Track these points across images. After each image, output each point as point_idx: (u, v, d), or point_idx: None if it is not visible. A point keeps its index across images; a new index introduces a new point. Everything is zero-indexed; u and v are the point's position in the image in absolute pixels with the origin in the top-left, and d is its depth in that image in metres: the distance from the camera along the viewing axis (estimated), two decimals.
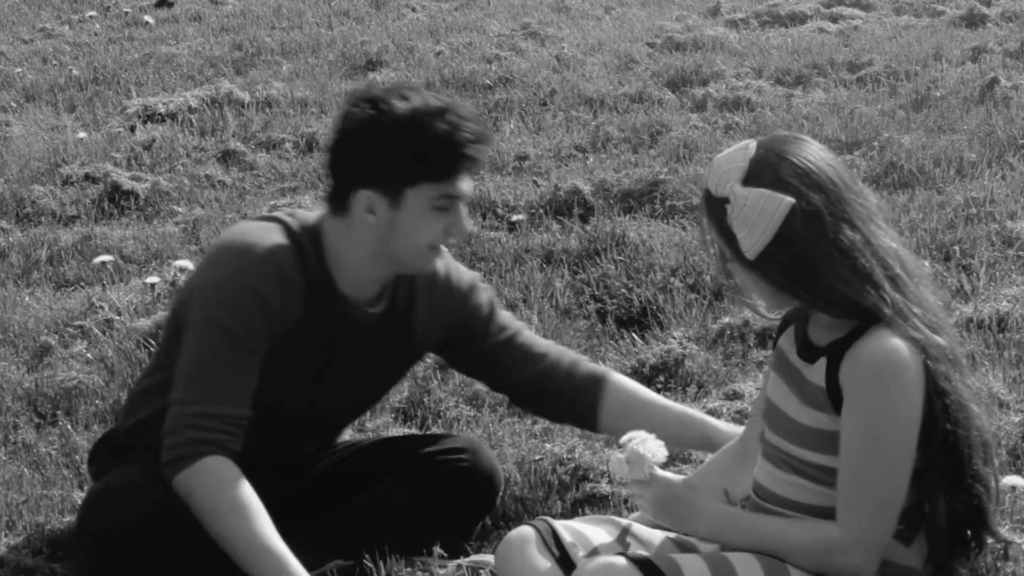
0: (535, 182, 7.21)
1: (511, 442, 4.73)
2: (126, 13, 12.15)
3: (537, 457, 4.61)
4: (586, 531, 3.48)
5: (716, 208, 3.25)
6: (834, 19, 10.81)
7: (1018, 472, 4.44)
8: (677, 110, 8.53)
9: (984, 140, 7.57)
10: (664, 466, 3.41)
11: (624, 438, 3.40)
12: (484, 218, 6.84)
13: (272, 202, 7.03)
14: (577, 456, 4.55)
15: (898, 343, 3.17)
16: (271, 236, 3.89)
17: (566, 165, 7.57)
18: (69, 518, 4.33)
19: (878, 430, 3.18)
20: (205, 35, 11.17)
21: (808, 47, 9.87)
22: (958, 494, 3.26)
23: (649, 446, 3.37)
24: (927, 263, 5.99)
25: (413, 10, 11.79)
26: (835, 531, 3.21)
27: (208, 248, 4.10)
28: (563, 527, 3.47)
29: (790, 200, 3.16)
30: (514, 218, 6.78)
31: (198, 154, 8.08)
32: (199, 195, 7.42)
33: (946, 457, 3.23)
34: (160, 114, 8.80)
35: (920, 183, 7.01)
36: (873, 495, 3.19)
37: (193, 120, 8.69)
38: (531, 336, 4.31)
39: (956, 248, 6.12)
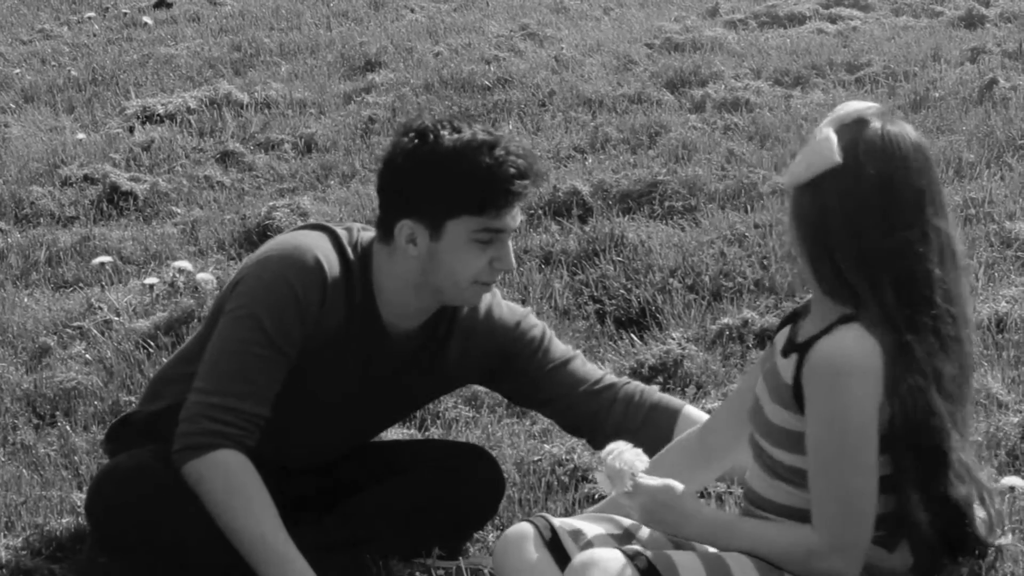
0: None
1: (510, 443, 4.74)
2: (125, 14, 12.16)
3: (536, 458, 4.61)
4: (585, 527, 3.48)
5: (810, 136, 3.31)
6: (833, 20, 10.82)
7: (1017, 473, 4.44)
8: (676, 111, 8.53)
9: (983, 141, 7.57)
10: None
11: (602, 453, 3.41)
12: None
13: (271, 203, 7.03)
14: (576, 457, 4.55)
15: (853, 344, 3.14)
16: (323, 248, 3.91)
17: (565, 166, 7.57)
18: (68, 519, 4.33)
19: (835, 435, 3.15)
20: (204, 36, 11.17)
21: (807, 48, 9.87)
22: (935, 501, 3.21)
23: (626, 458, 3.37)
24: None
25: (412, 11, 11.79)
26: (814, 536, 3.21)
27: (259, 248, 4.09)
28: (562, 523, 3.47)
29: (838, 159, 3.18)
30: None
31: (197, 155, 8.08)
32: (198, 196, 7.42)
33: (915, 463, 3.17)
34: (159, 115, 8.80)
35: None
36: (842, 500, 3.18)
37: (192, 121, 8.69)
38: (586, 364, 4.24)
39: None
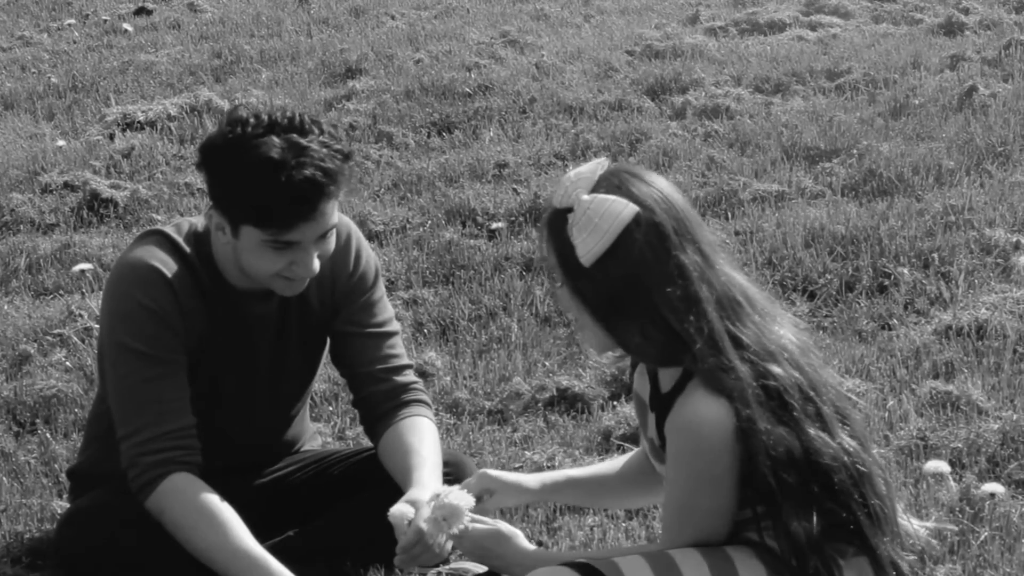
0: (515, 190, 7.21)
1: (491, 450, 4.74)
2: (105, 21, 12.13)
3: (517, 465, 4.62)
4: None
5: (557, 220, 3.22)
6: (813, 27, 10.83)
7: (997, 479, 4.45)
8: (656, 118, 8.54)
9: (962, 148, 7.59)
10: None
11: (430, 497, 3.58)
12: (464, 226, 6.85)
13: None
14: (557, 464, 4.55)
15: (706, 408, 3.13)
16: (155, 254, 3.91)
17: (546, 173, 7.57)
18: (48, 527, 4.32)
19: (692, 492, 3.18)
20: (184, 43, 11.15)
21: (787, 55, 9.89)
22: (821, 510, 3.17)
23: (454, 498, 3.50)
24: (906, 270, 6.01)
25: (392, 18, 11.78)
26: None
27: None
28: None
29: (635, 207, 3.15)
30: (494, 226, 6.79)
31: (177, 162, 8.06)
32: (178, 203, 7.41)
33: (778, 486, 3.14)
34: (139, 122, 8.78)
35: (899, 191, 7.03)
36: (693, 533, 3.21)
37: (172, 128, 8.68)
38: (397, 346, 4.20)
39: (935, 256, 6.14)
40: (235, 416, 4.10)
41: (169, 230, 3.99)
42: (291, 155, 3.71)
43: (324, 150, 3.75)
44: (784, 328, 3.27)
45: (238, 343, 4.03)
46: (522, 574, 3.37)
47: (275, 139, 3.73)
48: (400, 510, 3.73)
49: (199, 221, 4.02)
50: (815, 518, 3.15)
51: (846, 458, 3.19)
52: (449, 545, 3.73)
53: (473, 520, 3.49)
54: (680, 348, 3.17)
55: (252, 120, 3.76)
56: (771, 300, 3.34)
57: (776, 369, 3.17)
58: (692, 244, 3.18)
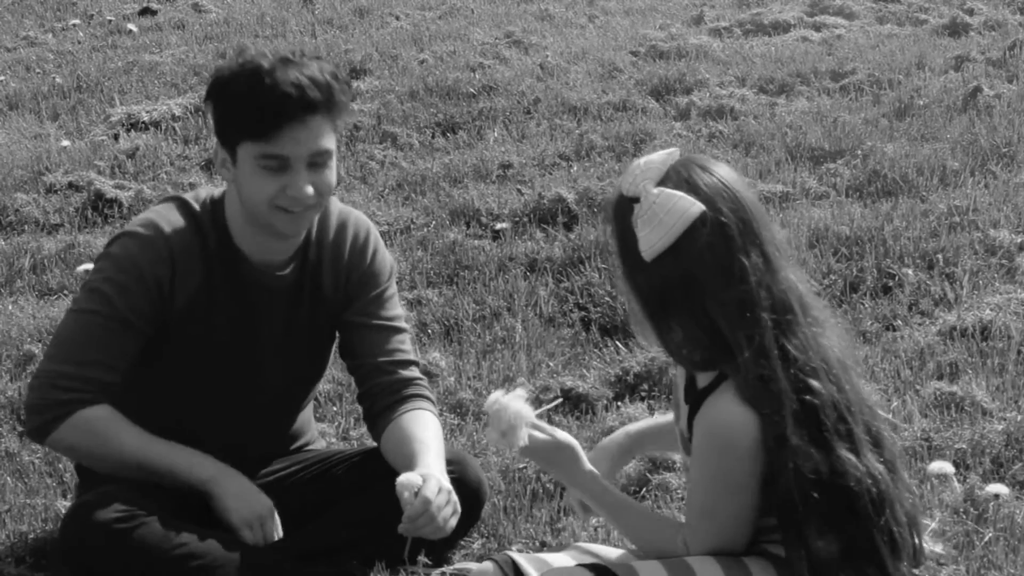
0: (519, 190, 7.21)
1: (495, 450, 4.73)
2: (110, 21, 12.13)
3: (521, 465, 4.62)
4: (549, 559, 3.48)
5: (624, 208, 3.20)
6: (817, 28, 10.82)
7: (1002, 480, 4.45)
8: (661, 118, 8.53)
9: (967, 149, 7.58)
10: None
11: (486, 405, 3.40)
12: (468, 226, 6.85)
13: None
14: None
15: (734, 415, 3.12)
16: (167, 216, 4.00)
17: (550, 173, 7.57)
18: (52, 527, 4.32)
19: (714, 494, 3.18)
20: (189, 43, 11.15)
21: (791, 56, 9.88)
22: (841, 531, 3.16)
23: (512, 411, 3.35)
24: (910, 271, 6.00)
25: (397, 18, 11.78)
26: (683, 550, 3.24)
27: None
28: (525, 559, 3.47)
29: (701, 206, 3.12)
30: (498, 226, 6.79)
31: (182, 162, 8.07)
32: None
33: (803, 502, 3.13)
34: (144, 122, 8.78)
35: (903, 191, 7.03)
36: (714, 538, 3.20)
37: (177, 128, 8.68)
38: (405, 343, 4.22)
39: (939, 256, 6.13)
40: (233, 389, 4.11)
41: (188, 196, 4.08)
42: (280, 64, 3.85)
43: (315, 65, 3.88)
44: (831, 340, 3.23)
45: (238, 308, 4.05)
46: (575, 489, 3.42)
47: (269, 55, 3.88)
48: (408, 478, 3.72)
49: (219, 190, 4.10)
50: (836, 539, 3.13)
51: (870, 482, 3.15)
52: (453, 521, 3.71)
53: (534, 428, 3.41)
54: (723, 355, 3.14)
55: (255, 51, 3.93)
56: (824, 307, 3.31)
57: (816, 384, 3.13)
58: (756, 246, 3.14)
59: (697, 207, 3.12)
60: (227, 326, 4.04)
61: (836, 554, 3.12)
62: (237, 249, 4.02)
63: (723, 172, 3.20)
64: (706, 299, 3.12)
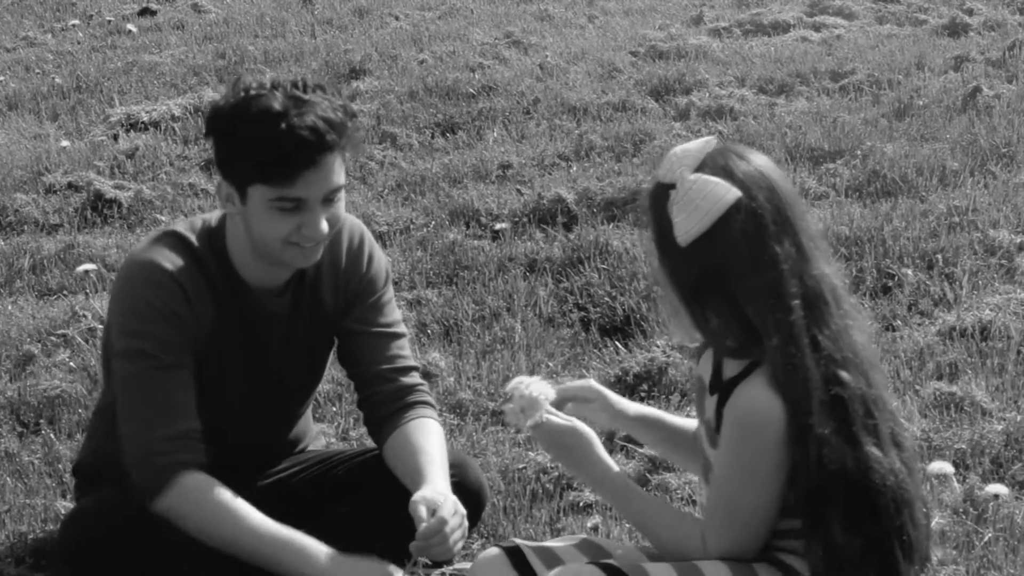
0: (518, 191, 7.21)
1: (495, 451, 4.74)
2: (109, 21, 12.13)
3: (521, 466, 4.62)
4: (557, 549, 3.47)
5: (660, 194, 3.20)
6: (817, 28, 10.83)
7: (1001, 480, 4.45)
8: (660, 119, 8.54)
9: (966, 149, 7.59)
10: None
11: (509, 387, 3.42)
12: (467, 226, 6.85)
13: None
14: (560, 465, 4.55)
15: (764, 401, 3.11)
16: (162, 252, 3.91)
17: (549, 174, 7.58)
18: (52, 527, 4.32)
19: (740, 482, 3.16)
20: (188, 44, 11.15)
21: (791, 56, 9.88)
22: (861, 529, 3.16)
23: (534, 390, 3.38)
24: (909, 271, 6.01)
25: (396, 19, 11.78)
26: (700, 546, 3.23)
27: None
28: (532, 548, 3.46)
29: (737, 192, 3.12)
30: (497, 227, 6.79)
31: (181, 163, 8.07)
32: (182, 204, 7.41)
33: (829, 495, 3.12)
34: (143, 123, 8.78)
35: (903, 192, 7.03)
36: (737, 530, 3.19)
37: (176, 129, 8.68)
38: (404, 348, 4.20)
39: (939, 256, 6.13)
40: (240, 412, 4.09)
41: (181, 228, 4.00)
42: (293, 105, 3.74)
43: (326, 103, 3.78)
44: (861, 336, 3.23)
45: (247, 339, 4.03)
46: (588, 479, 3.41)
47: (277, 93, 3.76)
48: (425, 496, 3.71)
49: (214, 216, 4.03)
50: (858, 535, 3.13)
51: (893, 480, 3.15)
52: (460, 546, 3.72)
53: (549, 413, 3.43)
54: (755, 341, 3.14)
55: (255, 83, 3.80)
56: (856, 305, 3.31)
57: (846, 376, 3.13)
58: (789, 235, 3.14)
59: (733, 193, 3.13)
60: (237, 352, 4.02)
61: (858, 550, 3.13)
62: (240, 278, 3.98)
63: (760, 161, 3.21)
64: (737, 285, 3.12)
